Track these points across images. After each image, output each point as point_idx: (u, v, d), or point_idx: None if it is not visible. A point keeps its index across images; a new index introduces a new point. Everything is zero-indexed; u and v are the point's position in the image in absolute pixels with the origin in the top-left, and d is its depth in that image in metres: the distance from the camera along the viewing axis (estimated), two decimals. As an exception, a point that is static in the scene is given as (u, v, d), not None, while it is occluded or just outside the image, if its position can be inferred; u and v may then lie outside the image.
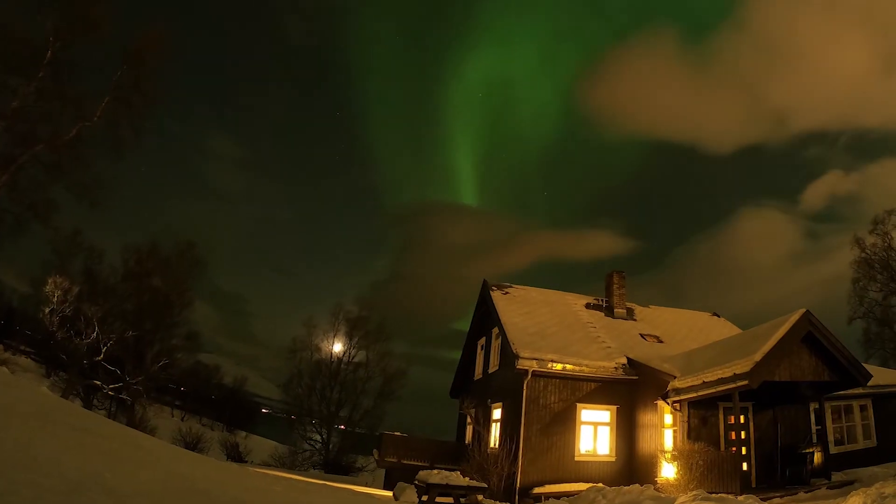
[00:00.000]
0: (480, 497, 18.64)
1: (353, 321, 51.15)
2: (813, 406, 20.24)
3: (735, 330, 28.94)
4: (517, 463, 21.26)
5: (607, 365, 22.84)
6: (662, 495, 16.80)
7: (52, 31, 27.90)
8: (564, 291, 31.26)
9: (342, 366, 49.92)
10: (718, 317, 32.53)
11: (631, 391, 22.66)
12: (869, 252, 44.65)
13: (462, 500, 17.67)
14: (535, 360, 22.20)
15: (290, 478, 22.27)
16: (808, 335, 17.74)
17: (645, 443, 21.29)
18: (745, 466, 18.52)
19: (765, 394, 18.45)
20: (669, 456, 18.33)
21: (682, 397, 18.93)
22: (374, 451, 30.07)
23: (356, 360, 50.41)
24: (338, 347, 50.24)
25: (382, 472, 31.84)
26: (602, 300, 30.16)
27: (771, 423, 19.91)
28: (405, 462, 26.74)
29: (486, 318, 29.57)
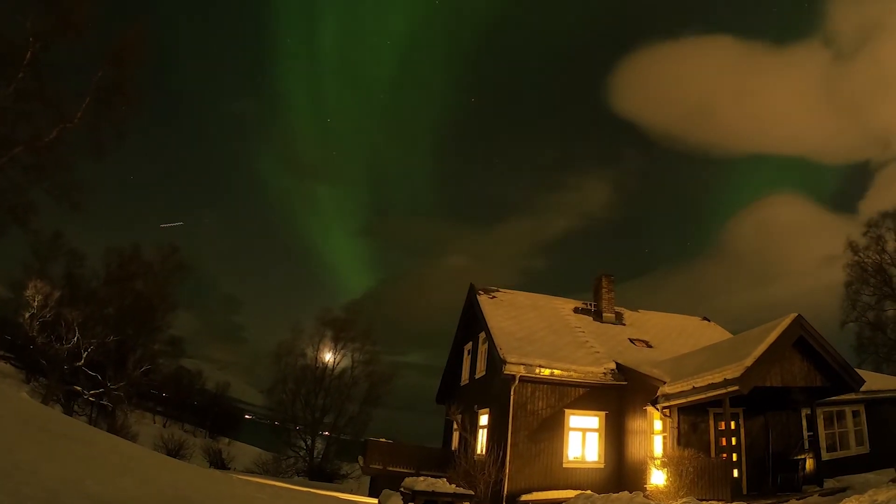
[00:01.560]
0: (467, 505, 18.37)
1: (339, 326, 50.82)
2: (805, 412, 20.01)
3: (725, 334, 28.86)
4: (504, 470, 21.00)
5: (596, 370, 22.61)
6: (652, 502, 16.61)
7: (32, 31, 27.43)
8: (552, 296, 31.00)
9: (327, 371, 49.57)
10: (709, 321, 32.36)
11: (620, 397, 22.46)
12: (862, 255, 44.52)
13: (448, 508, 17.38)
14: (523, 365, 21.94)
15: (274, 485, 22.03)
16: (800, 340, 17.52)
17: (634, 449, 21.07)
18: (735, 473, 18.23)
19: (756, 399, 18.16)
20: (659, 462, 18.06)
21: (672, 403, 18.69)
22: (359, 457, 29.77)
23: (341, 365, 50.12)
24: (323, 353, 49.90)
25: (367, 479, 31.54)
26: (591, 304, 29.93)
27: (762, 430, 19.64)
28: (391, 469, 26.38)
29: (472, 322, 29.29)
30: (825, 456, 20.11)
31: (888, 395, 22.42)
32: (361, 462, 28.48)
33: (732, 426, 18.99)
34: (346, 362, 50.18)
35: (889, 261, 43.17)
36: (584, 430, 22.31)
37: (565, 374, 22.32)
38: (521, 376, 21.80)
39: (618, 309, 29.97)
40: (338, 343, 50.10)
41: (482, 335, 26.92)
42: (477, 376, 27.46)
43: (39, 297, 41.93)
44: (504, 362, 21.78)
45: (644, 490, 18.32)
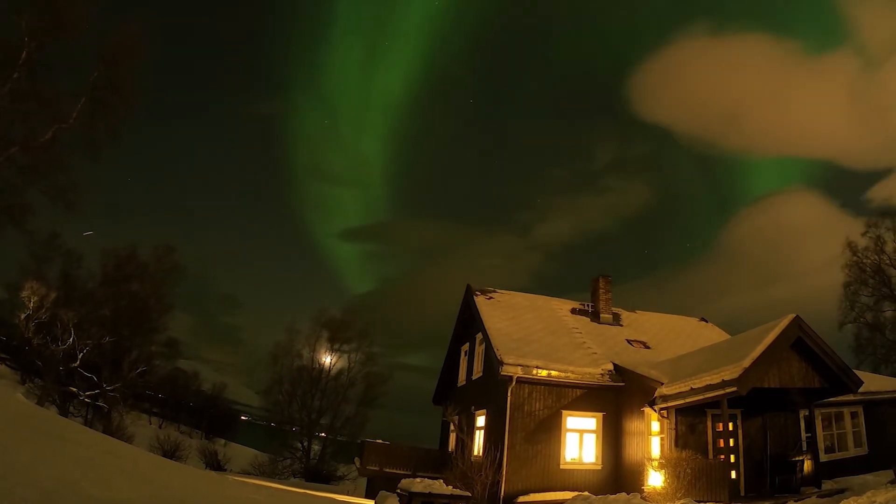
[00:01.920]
0: (464, 506, 18.25)
1: (335, 327, 50.63)
2: (803, 413, 19.88)
3: (723, 335, 28.80)
4: (501, 471, 20.93)
5: (593, 371, 22.53)
6: (650, 504, 16.54)
7: (27, 30, 27.25)
8: (550, 296, 30.92)
9: (324, 372, 49.39)
10: (706, 322, 32.30)
11: (617, 398, 22.42)
12: (861, 256, 44.12)
13: (445, 509, 17.29)
14: (520, 366, 21.86)
15: (271, 486, 21.94)
16: (798, 341, 17.43)
17: (631, 450, 21.00)
18: (733, 475, 18.06)
19: (754, 400, 18.09)
20: (656, 464, 18.04)
21: (670, 404, 18.61)
22: (356, 459, 29.67)
23: (338, 366, 49.94)
24: (320, 354, 49.71)
25: (364, 480, 31.41)
26: (588, 305, 29.85)
27: (760, 431, 19.54)
28: (387, 470, 26.35)
29: (469, 323, 29.23)
30: (823, 457, 20.06)
31: (886, 396, 22.35)
32: (358, 463, 28.38)
33: (730, 427, 18.90)
34: (342, 363, 50.06)
35: (888, 261, 42.80)
36: (581, 432, 22.25)
37: (562, 375, 22.24)
38: (518, 377, 21.73)
39: (615, 310, 29.90)
40: (334, 344, 49.95)
41: (479, 336, 26.87)
42: (474, 377, 27.41)
43: (35, 298, 41.83)
44: (501, 363, 21.70)
45: (642, 492, 18.29)
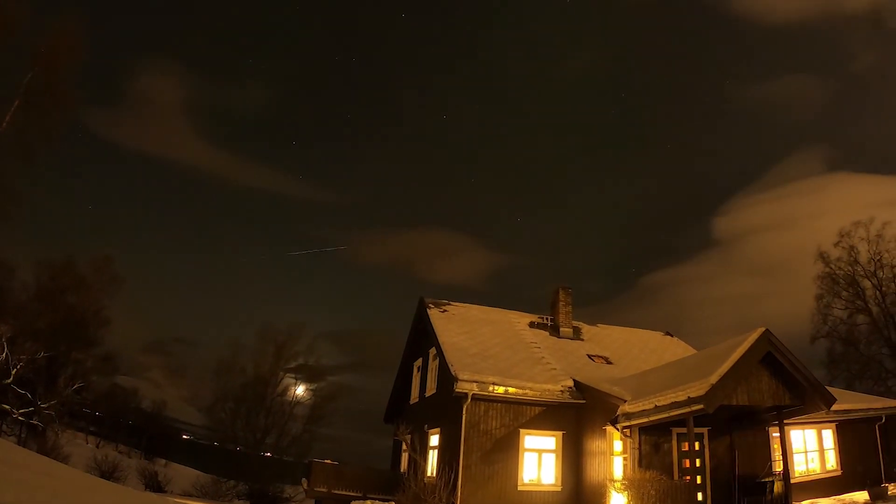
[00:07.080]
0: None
1: (281, 342, 49.12)
2: (773, 432, 19.43)
3: (689, 350, 28.55)
4: (456, 493, 20.05)
5: (552, 388, 21.79)
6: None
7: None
8: (507, 309, 30.19)
9: (269, 389, 47.84)
10: (671, 336, 31.97)
11: (578, 416, 21.74)
12: (833, 267, 43.25)
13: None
14: (476, 382, 21.03)
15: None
16: (768, 356, 16.85)
17: (593, 471, 20.29)
18: (699, 496, 17.59)
19: (721, 418, 17.68)
20: (619, 485, 17.30)
21: (633, 423, 17.90)
22: (303, 480, 28.74)
23: (284, 382, 48.49)
24: (266, 370, 48.11)
25: (312, 502, 30.36)
26: (547, 319, 29.29)
27: (728, 450, 19.05)
28: (336, 492, 25.58)
29: (422, 337, 28.51)
30: (794, 478, 19.37)
31: (860, 414, 21.83)
32: (305, 485, 27.54)
33: (697, 447, 18.28)
34: (289, 380, 48.68)
35: (862, 272, 41.92)
36: (540, 451, 21.56)
37: (520, 392, 21.48)
38: (473, 394, 20.92)
39: (575, 323, 29.44)
40: (281, 360, 48.46)
41: (432, 351, 26.14)
42: (427, 394, 26.70)
43: (-35, 312, 40.03)
44: (456, 379, 20.85)
45: (604, 515, 17.54)
